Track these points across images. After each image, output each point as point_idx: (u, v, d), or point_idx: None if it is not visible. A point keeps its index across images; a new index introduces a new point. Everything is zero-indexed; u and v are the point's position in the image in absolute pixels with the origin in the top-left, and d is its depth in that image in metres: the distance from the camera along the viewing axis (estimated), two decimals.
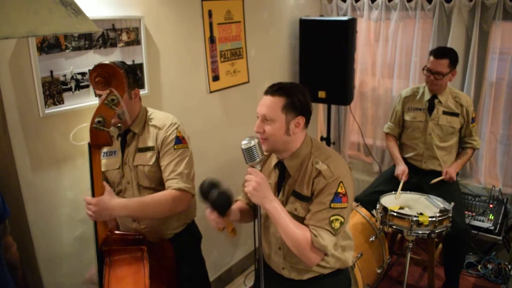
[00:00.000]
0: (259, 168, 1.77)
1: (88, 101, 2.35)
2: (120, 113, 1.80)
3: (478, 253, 3.76)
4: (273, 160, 1.97)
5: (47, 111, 2.19)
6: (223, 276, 3.58)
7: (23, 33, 0.90)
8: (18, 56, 2.06)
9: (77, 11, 1.04)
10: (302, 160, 1.85)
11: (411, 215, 2.72)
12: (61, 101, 2.25)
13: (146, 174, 2.11)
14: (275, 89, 1.80)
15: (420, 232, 2.72)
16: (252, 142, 1.71)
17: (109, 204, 1.85)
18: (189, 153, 2.14)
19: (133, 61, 2.56)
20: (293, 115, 1.80)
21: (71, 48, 2.25)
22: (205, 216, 1.89)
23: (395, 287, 3.48)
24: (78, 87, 2.31)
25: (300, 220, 1.81)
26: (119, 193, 2.20)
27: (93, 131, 1.76)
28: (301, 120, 1.82)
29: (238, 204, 2.09)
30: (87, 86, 2.34)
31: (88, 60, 2.33)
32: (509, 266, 3.23)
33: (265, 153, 1.88)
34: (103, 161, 2.19)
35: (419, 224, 2.70)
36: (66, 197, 2.37)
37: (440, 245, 3.51)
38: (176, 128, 2.12)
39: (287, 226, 1.74)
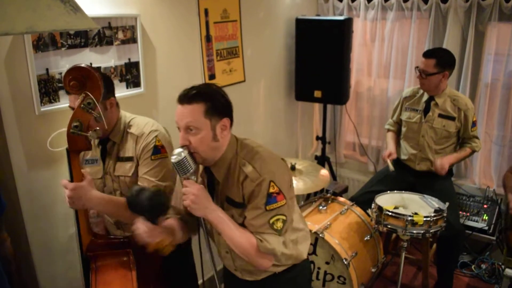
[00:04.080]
0: (195, 179, 1.69)
1: None
2: (97, 117, 1.73)
3: (472, 253, 3.79)
4: (201, 166, 1.85)
5: (43, 108, 2.18)
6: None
7: (22, 30, 0.90)
8: (14, 54, 2.05)
9: (76, 8, 1.04)
10: (228, 164, 1.75)
11: (406, 215, 2.73)
12: (56, 99, 2.24)
13: (128, 184, 2.06)
14: (191, 95, 1.66)
15: (414, 231, 2.73)
16: (182, 154, 1.63)
17: (86, 194, 1.77)
18: (168, 162, 2.03)
19: (129, 59, 2.55)
20: (217, 119, 1.68)
21: (67, 46, 2.24)
22: None
23: (389, 286, 3.50)
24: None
25: None
26: None
27: (71, 136, 1.71)
28: (226, 122, 1.72)
29: (171, 222, 1.92)
30: None
31: (84, 58, 2.32)
32: (503, 266, 3.24)
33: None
34: (86, 169, 2.14)
35: (413, 223, 2.71)
36: (61, 195, 2.34)
37: (435, 245, 3.53)
38: (155, 136, 2.04)
39: (233, 234, 1.68)
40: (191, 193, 1.65)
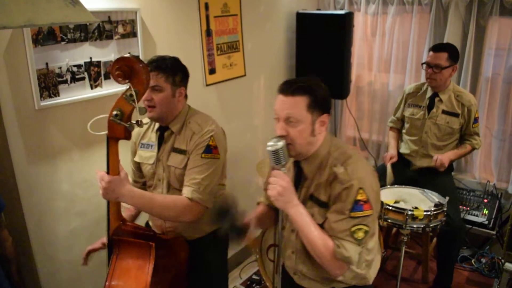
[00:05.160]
0: (285, 171, 1.64)
1: (83, 94, 2.34)
2: (140, 110, 1.73)
3: (472, 247, 3.79)
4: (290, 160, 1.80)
5: (43, 103, 2.18)
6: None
7: (21, 23, 0.89)
8: (13, 48, 2.04)
9: (75, 1, 1.03)
10: (320, 161, 1.71)
11: (406, 209, 2.72)
12: (56, 94, 2.24)
13: (177, 176, 2.07)
14: (295, 88, 1.64)
15: (415, 226, 2.73)
16: (279, 144, 1.61)
17: (120, 188, 1.77)
18: (217, 164, 2.05)
19: (129, 53, 2.52)
20: (318, 114, 1.66)
21: (67, 40, 2.24)
22: None
23: (389, 280, 3.50)
24: (74, 79, 2.30)
25: None
26: (149, 188, 2.18)
27: (110, 123, 1.73)
28: (326, 118, 1.69)
29: (259, 209, 1.98)
30: (82, 79, 2.33)
31: (83, 53, 2.32)
32: (503, 261, 3.24)
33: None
34: (140, 152, 2.19)
35: (414, 218, 2.71)
36: (61, 190, 2.36)
37: (435, 239, 3.53)
38: (211, 136, 2.03)
39: (311, 233, 1.62)
40: (278, 184, 1.62)
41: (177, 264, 2.13)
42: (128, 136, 1.78)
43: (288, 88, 1.66)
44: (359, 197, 1.60)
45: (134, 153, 2.24)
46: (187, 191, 1.98)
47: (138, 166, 2.23)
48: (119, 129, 1.73)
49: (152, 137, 2.16)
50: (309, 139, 1.68)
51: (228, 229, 1.73)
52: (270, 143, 1.63)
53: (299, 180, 1.78)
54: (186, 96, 2.13)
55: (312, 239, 1.63)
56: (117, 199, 1.81)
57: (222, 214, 1.77)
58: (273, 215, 1.98)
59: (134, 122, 1.75)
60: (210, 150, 2.02)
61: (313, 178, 1.73)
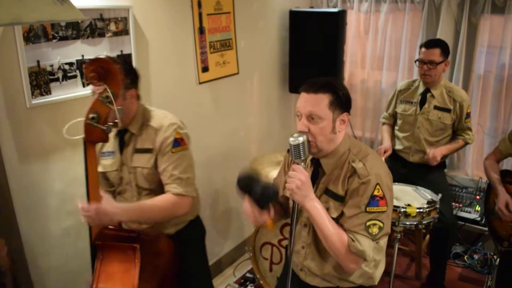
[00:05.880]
0: (304, 166, 1.69)
1: (75, 92, 2.33)
2: (118, 110, 1.73)
3: (464, 243, 3.81)
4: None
5: (34, 101, 2.16)
6: (212, 267, 3.58)
7: (7, 20, 0.89)
8: (4, 46, 2.03)
9: None
10: (339, 158, 1.76)
11: (399, 206, 2.74)
12: (48, 92, 2.22)
13: (145, 176, 2.07)
14: (319, 86, 1.70)
15: (407, 223, 2.75)
16: (301, 138, 1.65)
17: (108, 209, 1.79)
18: (189, 155, 2.09)
19: (122, 51, 2.54)
20: (339, 112, 1.72)
21: (58, 37, 2.22)
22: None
23: (382, 277, 3.48)
24: (66, 77, 2.28)
25: None
26: (119, 194, 2.18)
27: (87, 126, 1.72)
28: (346, 116, 1.75)
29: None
30: (74, 77, 2.32)
31: (75, 50, 2.30)
32: (495, 257, 3.27)
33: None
34: (102, 161, 2.17)
35: (406, 215, 2.73)
36: (54, 189, 2.35)
37: (428, 236, 3.55)
38: (175, 129, 2.06)
39: (326, 228, 1.66)
40: (297, 178, 1.65)
41: (164, 262, 2.13)
42: (105, 139, 1.78)
43: (311, 86, 1.71)
44: (376, 193, 1.66)
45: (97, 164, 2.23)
46: (170, 188, 2.00)
47: (104, 176, 2.19)
48: (96, 132, 1.73)
49: (112, 143, 2.14)
50: (330, 136, 1.73)
51: (262, 189, 1.69)
52: (292, 138, 1.67)
53: (316, 175, 1.83)
54: (138, 97, 2.10)
55: (328, 233, 1.66)
56: (111, 221, 1.83)
57: (251, 179, 1.74)
58: (279, 210, 2.00)
59: (111, 124, 1.74)
60: (178, 143, 2.04)
61: (331, 173, 1.78)
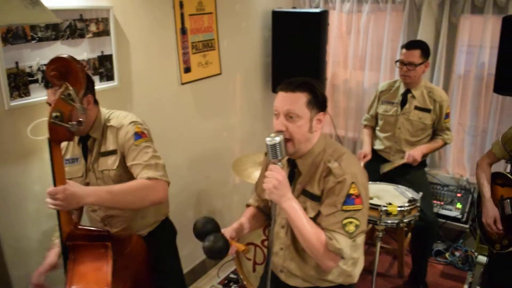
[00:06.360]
0: (281, 166, 1.69)
1: None
2: (78, 108, 1.71)
3: (446, 241, 3.86)
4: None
5: (13, 103, 2.14)
6: (196, 269, 3.58)
7: None
8: None
9: (34, 2, 1.02)
10: (314, 158, 1.77)
11: (380, 205, 2.76)
12: (27, 93, 2.20)
13: (113, 178, 2.05)
14: (297, 85, 1.71)
15: (389, 221, 2.78)
16: (278, 138, 1.66)
17: (77, 190, 1.75)
18: (152, 145, 2.06)
19: (102, 52, 2.52)
20: (316, 111, 1.73)
21: (37, 38, 2.20)
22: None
23: (365, 276, 3.52)
24: (45, 79, 2.26)
25: None
26: None
27: (51, 126, 1.70)
28: (322, 116, 1.76)
29: (249, 212, 2.03)
30: None
31: (55, 51, 2.27)
32: (476, 254, 3.32)
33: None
34: (66, 168, 2.08)
35: (388, 214, 2.75)
36: (33, 191, 2.33)
37: (410, 234, 3.59)
38: (134, 125, 2.04)
39: (303, 227, 1.66)
40: (274, 178, 1.65)
41: (137, 262, 2.12)
42: (70, 137, 1.75)
43: (289, 85, 1.73)
44: (351, 191, 1.68)
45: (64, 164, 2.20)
46: (142, 174, 1.95)
47: None
48: (61, 131, 1.71)
49: (75, 151, 2.12)
50: (307, 135, 1.74)
51: (207, 249, 1.76)
52: (268, 138, 1.67)
53: (292, 176, 1.83)
54: (96, 102, 2.07)
55: (305, 232, 1.67)
56: (79, 203, 1.78)
57: (202, 234, 1.81)
58: (262, 216, 2.03)
59: (75, 122, 1.72)
60: (139, 135, 2.03)
61: (307, 173, 1.79)
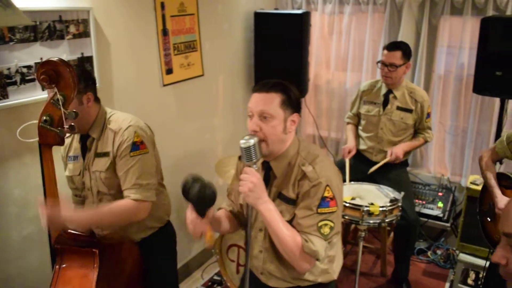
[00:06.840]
0: (256, 168, 1.69)
1: (34, 96, 2.27)
2: (68, 114, 1.70)
3: (428, 239, 3.91)
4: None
5: None
6: (180, 271, 3.55)
7: None
8: None
9: (6, 4, 1.00)
10: (289, 160, 1.78)
11: (362, 205, 2.78)
12: (5, 96, 2.16)
13: (103, 180, 2.03)
14: (270, 85, 1.72)
15: (371, 221, 2.80)
16: (252, 141, 1.64)
17: (61, 216, 1.76)
18: (148, 159, 2.03)
19: (82, 53, 2.49)
20: (290, 112, 1.73)
21: (16, 40, 2.17)
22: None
23: (348, 275, 3.56)
24: (24, 81, 2.23)
25: None
26: (84, 199, 2.14)
27: (40, 129, 1.70)
28: (296, 117, 1.76)
29: (218, 213, 1.99)
30: (33, 80, 2.26)
31: (33, 53, 2.25)
32: (457, 252, 3.36)
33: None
34: (68, 165, 2.13)
35: (370, 214, 2.78)
36: (13, 195, 2.29)
37: (392, 233, 3.62)
38: (134, 132, 2.00)
39: (279, 229, 1.67)
40: (249, 181, 1.65)
41: (128, 268, 2.10)
42: (60, 142, 1.75)
43: (263, 86, 1.74)
44: (326, 194, 1.69)
45: (66, 168, 2.19)
46: (129, 193, 1.97)
47: (71, 180, 2.15)
48: (50, 135, 1.71)
49: (77, 148, 2.11)
50: (281, 136, 1.74)
51: (198, 188, 1.67)
52: (242, 141, 1.66)
53: (268, 179, 1.83)
54: (97, 100, 2.06)
55: (281, 235, 1.68)
56: (65, 228, 1.82)
57: (193, 181, 1.70)
58: (234, 221, 2.00)
59: (67, 127, 1.71)
60: (137, 147, 2.00)
61: (282, 176, 1.79)
